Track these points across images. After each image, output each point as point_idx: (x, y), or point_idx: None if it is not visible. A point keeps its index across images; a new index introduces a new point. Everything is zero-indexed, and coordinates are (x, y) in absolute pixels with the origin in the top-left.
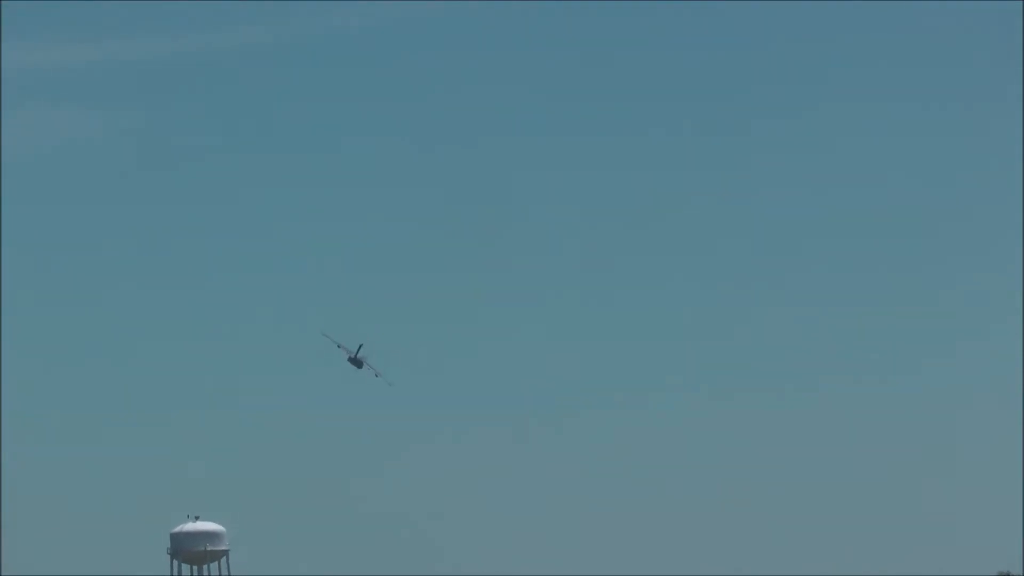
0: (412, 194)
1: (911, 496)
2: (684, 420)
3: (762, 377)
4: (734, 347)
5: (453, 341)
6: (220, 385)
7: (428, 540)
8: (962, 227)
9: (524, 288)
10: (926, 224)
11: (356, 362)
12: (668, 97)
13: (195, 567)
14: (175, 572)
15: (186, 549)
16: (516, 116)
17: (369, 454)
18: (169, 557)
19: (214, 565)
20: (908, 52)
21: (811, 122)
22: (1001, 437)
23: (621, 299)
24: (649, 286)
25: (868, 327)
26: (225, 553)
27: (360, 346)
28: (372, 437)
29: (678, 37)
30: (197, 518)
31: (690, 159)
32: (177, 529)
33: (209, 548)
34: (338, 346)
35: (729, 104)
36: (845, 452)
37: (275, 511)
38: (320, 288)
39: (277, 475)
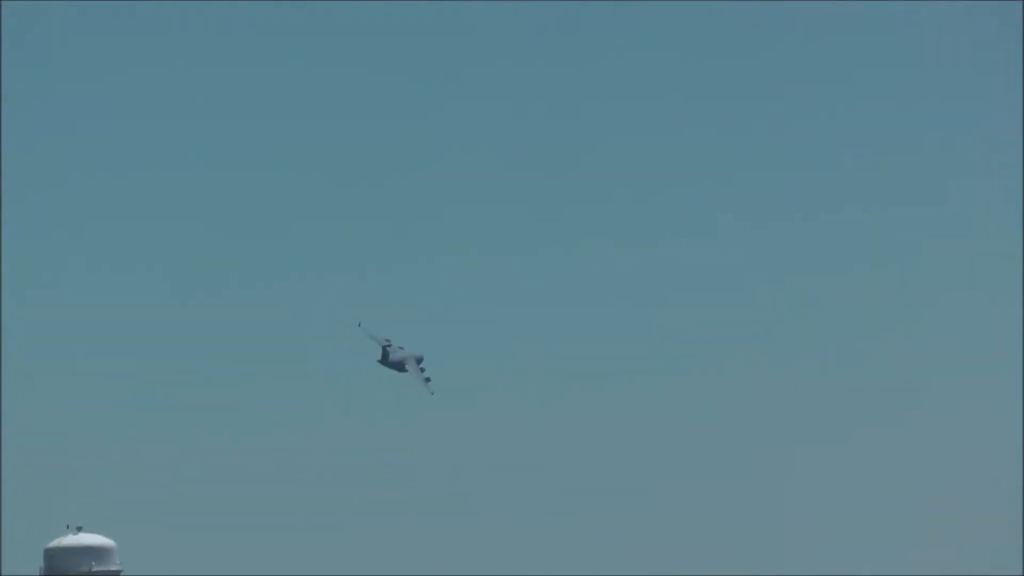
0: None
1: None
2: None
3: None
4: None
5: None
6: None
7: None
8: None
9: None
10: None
11: (394, 365)
12: None
13: None
14: None
15: (63, 570)
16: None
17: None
18: None
19: None
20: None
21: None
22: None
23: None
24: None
25: None
26: (116, 575)
27: (388, 342)
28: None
29: None
30: (79, 530)
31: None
32: (54, 544)
33: (95, 568)
34: (376, 340)
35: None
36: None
37: (180, 522)
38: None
39: (182, 478)
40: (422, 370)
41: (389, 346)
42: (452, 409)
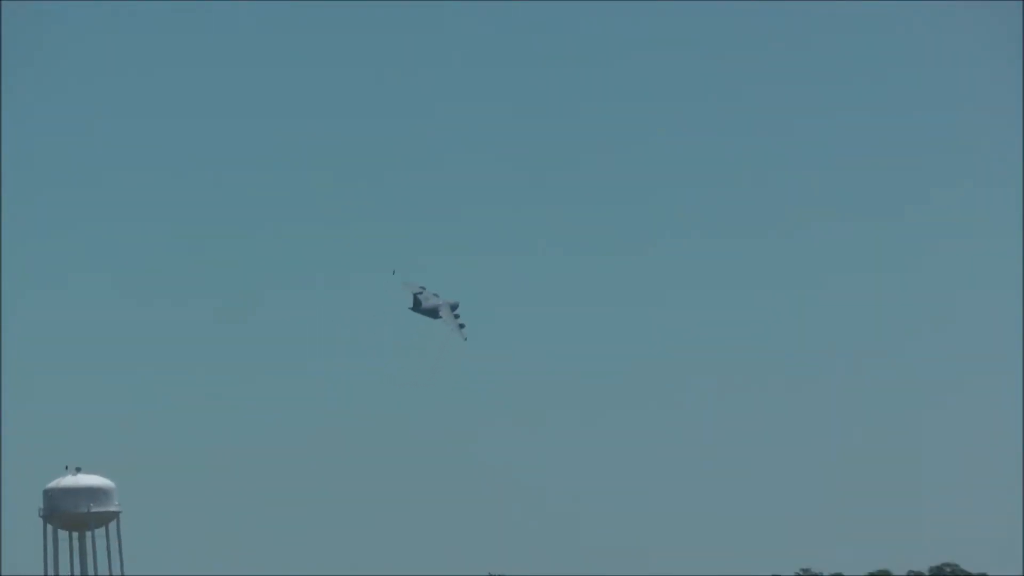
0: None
1: None
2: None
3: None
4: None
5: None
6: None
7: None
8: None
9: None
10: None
11: (427, 312)
12: None
13: (75, 534)
14: (48, 542)
15: (63, 510)
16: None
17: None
18: (42, 521)
19: (99, 532)
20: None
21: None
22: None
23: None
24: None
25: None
26: (115, 516)
27: (421, 289)
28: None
29: None
30: (78, 470)
31: None
32: (53, 484)
33: (93, 509)
34: (409, 288)
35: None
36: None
37: (181, 464)
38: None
39: (183, 421)
40: (456, 316)
41: (421, 293)
42: (487, 356)
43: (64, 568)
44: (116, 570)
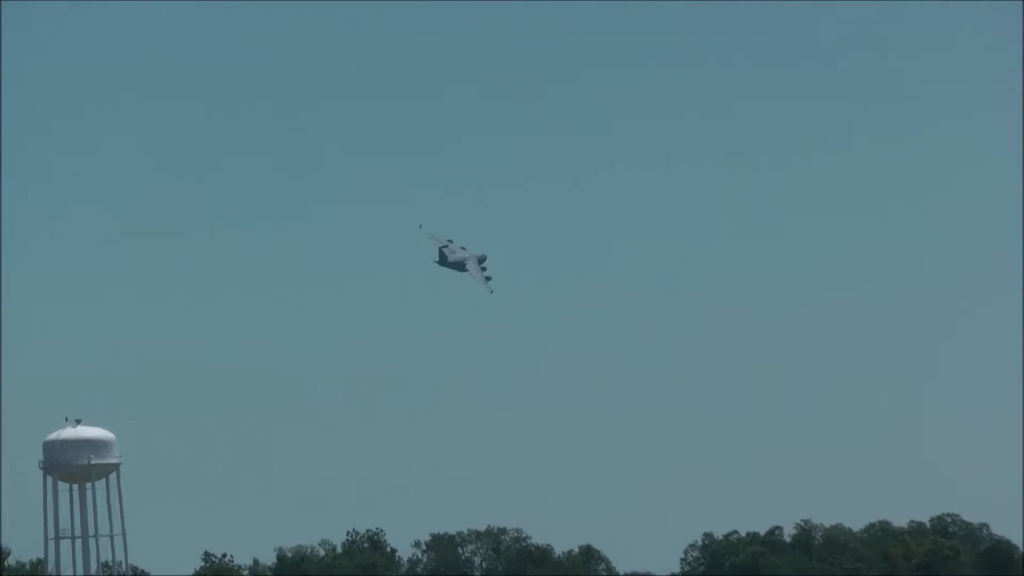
0: None
1: None
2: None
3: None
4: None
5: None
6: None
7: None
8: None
9: None
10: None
11: (452, 265)
12: None
13: (75, 486)
14: (48, 494)
15: (64, 463)
16: None
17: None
18: (42, 473)
19: (100, 483)
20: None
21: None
22: None
23: None
24: None
25: None
26: (115, 468)
27: (447, 243)
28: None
29: None
30: (79, 422)
31: None
32: (53, 436)
33: (93, 461)
34: (436, 241)
35: None
36: None
37: (183, 416)
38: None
39: (183, 372)
40: (484, 269)
41: (446, 247)
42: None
43: (64, 520)
44: (116, 522)
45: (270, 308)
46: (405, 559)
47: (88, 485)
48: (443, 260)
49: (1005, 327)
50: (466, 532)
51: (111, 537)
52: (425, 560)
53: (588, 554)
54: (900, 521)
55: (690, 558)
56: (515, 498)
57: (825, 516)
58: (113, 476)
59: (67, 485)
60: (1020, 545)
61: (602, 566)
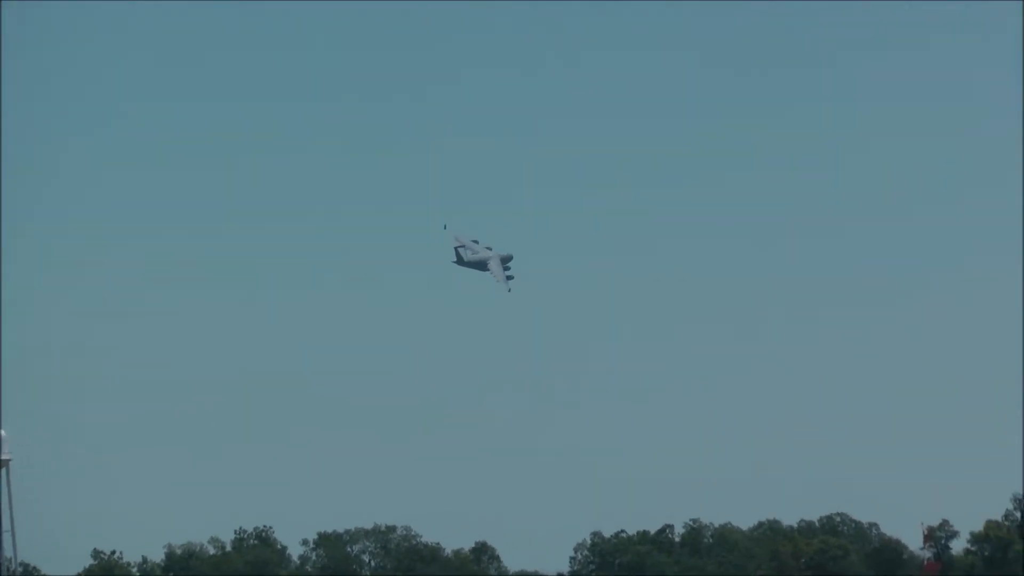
0: None
1: None
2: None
3: None
4: None
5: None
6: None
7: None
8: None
9: None
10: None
11: (472, 264)
12: None
13: None
14: None
15: None
16: None
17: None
18: None
19: None
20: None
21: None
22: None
23: None
24: None
25: None
26: (5, 464)
27: (474, 241)
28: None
29: None
30: None
31: None
32: None
33: None
34: (459, 241)
35: None
36: None
37: (72, 413)
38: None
39: (73, 369)
40: (507, 268)
41: (462, 247)
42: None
43: None
44: (6, 519)
45: (180, 305)
46: (296, 556)
47: None
48: (460, 260)
49: (899, 323)
50: (353, 530)
51: (0, 534)
52: (315, 558)
53: (479, 552)
54: (790, 520)
55: (580, 557)
56: (404, 497)
57: (715, 515)
58: (3, 472)
59: None
60: (908, 544)
61: (493, 565)
